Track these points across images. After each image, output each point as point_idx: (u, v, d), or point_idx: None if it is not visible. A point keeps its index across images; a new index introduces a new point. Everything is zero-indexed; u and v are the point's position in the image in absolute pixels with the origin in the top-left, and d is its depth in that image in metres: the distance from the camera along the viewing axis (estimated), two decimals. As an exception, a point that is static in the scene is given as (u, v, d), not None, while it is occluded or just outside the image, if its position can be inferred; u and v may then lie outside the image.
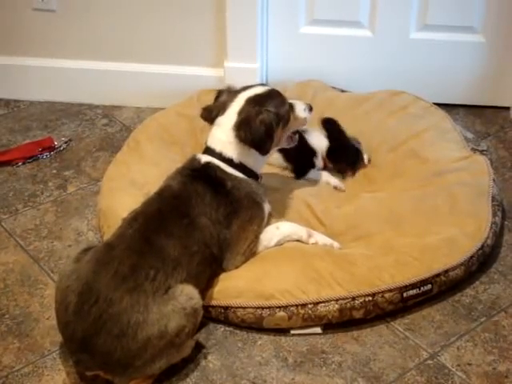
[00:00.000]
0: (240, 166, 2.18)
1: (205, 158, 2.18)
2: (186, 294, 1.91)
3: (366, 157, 2.61)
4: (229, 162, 2.17)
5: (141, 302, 1.85)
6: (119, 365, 1.86)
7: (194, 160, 2.20)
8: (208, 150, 2.20)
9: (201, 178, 2.13)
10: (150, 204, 2.10)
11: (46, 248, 2.41)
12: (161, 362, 1.88)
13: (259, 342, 2.08)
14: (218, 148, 2.18)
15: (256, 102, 2.17)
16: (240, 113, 2.16)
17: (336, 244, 2.25)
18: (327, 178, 2.57)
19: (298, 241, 2.25)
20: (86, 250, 2.01)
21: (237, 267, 2.16)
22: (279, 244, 2.22)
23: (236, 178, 2.16)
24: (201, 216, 2.06)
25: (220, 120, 2.20)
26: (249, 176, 2.20)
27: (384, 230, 2.29)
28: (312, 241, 2.24)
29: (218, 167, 2.16)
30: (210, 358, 2.02)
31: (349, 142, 2.59)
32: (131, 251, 1.93)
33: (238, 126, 2.14)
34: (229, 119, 2.17)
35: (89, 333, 1.84)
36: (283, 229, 2.24)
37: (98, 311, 1.84)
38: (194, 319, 1.91)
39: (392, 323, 2.12)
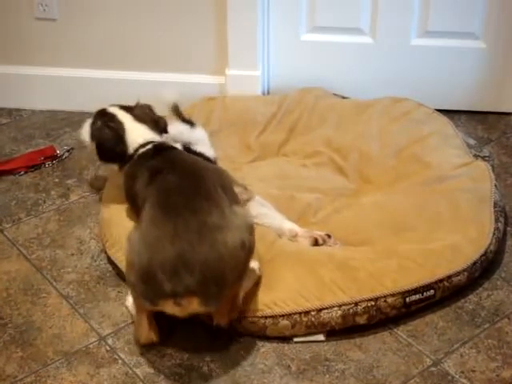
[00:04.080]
0: None
1: None
2: (243, 211, 2.10)
3: None
4: None
5: (223, 212, 1.99)
6: (214, 280, 1.89)
7: None
8: None
9: None
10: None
11: (49, 257, 2.41)
12: (242, 281, 1.98)
13: (262, 350, 2.07)
14: None
15: None
16: None
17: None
18: None
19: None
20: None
21: None
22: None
23: None
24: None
25: None
26: None
27: (386, 235, 2.29)
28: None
29: None
30: (212, 366, 2.02)
31: None
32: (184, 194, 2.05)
33: None
34: None
35: (184, 250, 1.88)
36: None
37: (194, 228, 1.92)
38: (253, 235, 2.02)
39: (395, 330, 2.12)
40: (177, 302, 1.89)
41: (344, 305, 2.07)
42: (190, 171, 2.18)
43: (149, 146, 2.32)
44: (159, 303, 1.92)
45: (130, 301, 2.13)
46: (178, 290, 1.88)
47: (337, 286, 2.10)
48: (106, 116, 2.39)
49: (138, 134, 2.35)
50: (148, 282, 1.91)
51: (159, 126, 2.41)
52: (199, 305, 1.90)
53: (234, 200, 2.16)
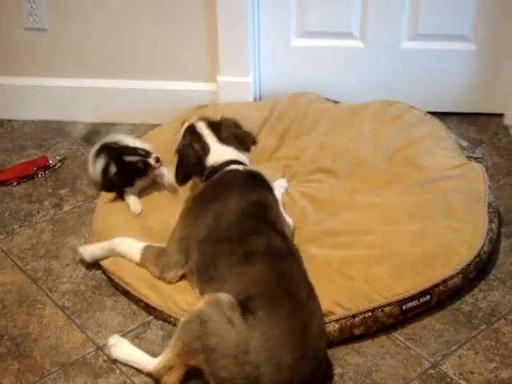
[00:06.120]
0: None
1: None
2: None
3: (151, 159, 2.53)
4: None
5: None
6: None
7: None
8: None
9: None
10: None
11: (44, 267, 2.40)
12: None
13: (260, 356, 2.06)
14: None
15: None
16: None
17: None
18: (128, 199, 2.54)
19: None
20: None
21: None
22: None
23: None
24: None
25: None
26: None
27: (380, 238, 2.28)
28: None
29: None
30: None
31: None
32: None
33: None
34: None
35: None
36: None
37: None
38: None
39: (393, 333, 2.12)
40: None
41: (341, 319, 2.07)
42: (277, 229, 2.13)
43: (239, 166, 2.28)
44: None
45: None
46: None
47: (332, 300, 2.08)
48: (194, 134, 2.33)
49: (222, 157, 2.29)
50: None
51: (245, 144, 2.38)
52: None
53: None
